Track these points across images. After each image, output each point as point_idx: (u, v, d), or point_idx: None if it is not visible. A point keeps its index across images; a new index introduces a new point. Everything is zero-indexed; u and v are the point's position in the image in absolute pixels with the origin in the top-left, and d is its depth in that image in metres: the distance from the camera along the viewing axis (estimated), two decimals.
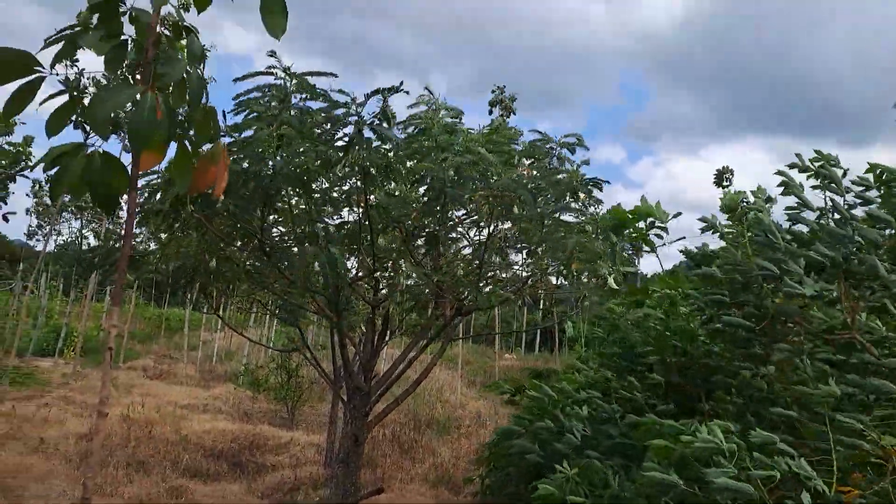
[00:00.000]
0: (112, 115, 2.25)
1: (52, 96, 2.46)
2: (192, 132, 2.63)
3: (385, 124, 4.08)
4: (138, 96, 2.17)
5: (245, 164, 4.36)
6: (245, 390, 14.04)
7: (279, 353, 12.56)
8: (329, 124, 4.16)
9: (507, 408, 14.67)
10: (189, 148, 2.63)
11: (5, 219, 14.40)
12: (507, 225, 5.45)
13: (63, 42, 2.39)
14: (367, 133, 4.10)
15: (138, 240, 5.80)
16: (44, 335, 17.50)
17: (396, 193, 4.85)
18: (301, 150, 4.21)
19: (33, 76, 2.26)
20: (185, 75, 2.46)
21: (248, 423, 11.32)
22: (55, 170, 2.16)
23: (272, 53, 4.70)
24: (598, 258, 4.94)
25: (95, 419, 2.44)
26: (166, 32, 2.56)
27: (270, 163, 4.25)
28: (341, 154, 4.21)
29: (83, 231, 44.92)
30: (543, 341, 32.57)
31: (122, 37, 2.49)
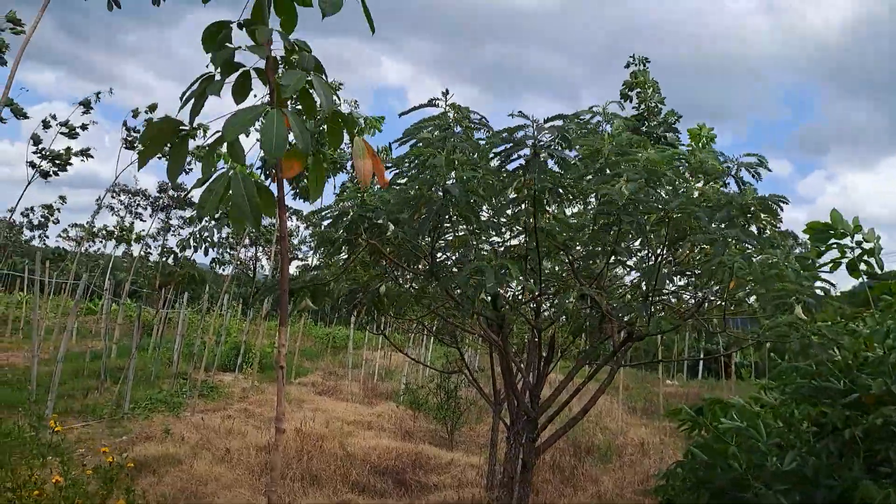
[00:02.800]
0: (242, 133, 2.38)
1: (187, 134, 2.68)
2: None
3: (566, 148, 4.05)
4: (265, 115, 2.32)
5: (412, 191, 4.50)
6: (406, 409, 14.42)
7: (438, 374, 12.79)
8: (506, 146, 4.19)
9: (672, 437, 13.99)
10: (322, 158, 2.75)
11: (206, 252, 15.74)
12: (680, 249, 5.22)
13: (194, 98, 2.61)
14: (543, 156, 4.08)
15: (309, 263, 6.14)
16: (225, 352, 19.02)
17: (569, 217, 4.79)
18: (471, 175, 4.27)
19: (181, 136, 2.48)
20: (305, 84, 2.55)
21: (409, 441, 11.59)
22: (201, 192, 2.35)
23: (445, 92, 4.85)
24: (778, 280, 4.58)
25: (275, 434, 2.57)
26: (280, 55, 2.68)
27: (437, 189, 4.38)
28: (514, 178, 4.23)
29: (257, 255, 48.66)
30: (707, 368, 30.82)
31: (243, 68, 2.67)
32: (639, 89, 17.03)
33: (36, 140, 20.54)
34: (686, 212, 4.38)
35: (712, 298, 5.43)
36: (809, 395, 4.98)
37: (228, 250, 40.29)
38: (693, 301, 5.77)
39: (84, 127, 20.70)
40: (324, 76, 2.64)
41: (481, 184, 4.35)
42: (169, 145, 2.58)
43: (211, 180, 2.35)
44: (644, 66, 17.12)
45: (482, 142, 4.71)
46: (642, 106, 16.62)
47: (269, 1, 2.67)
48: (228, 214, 2.65)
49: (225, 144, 2.55)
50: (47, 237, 40.01)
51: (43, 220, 36.19)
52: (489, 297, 5.12)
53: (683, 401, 20.01)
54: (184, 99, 2.60)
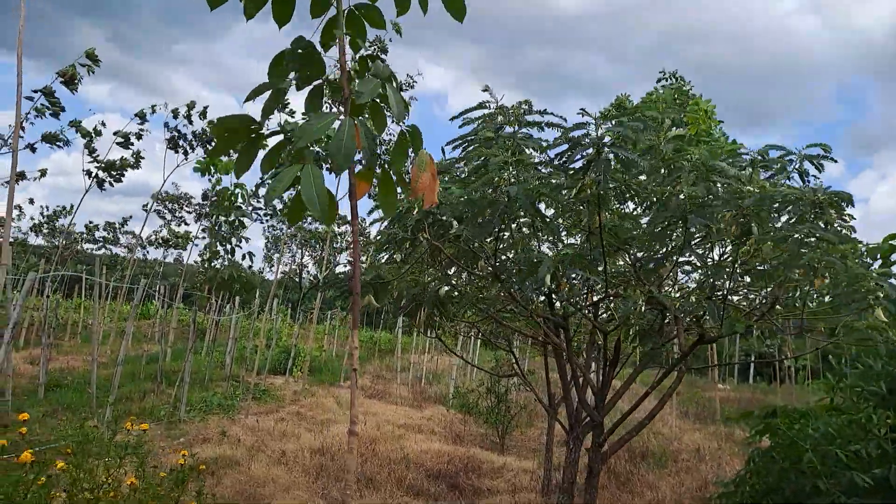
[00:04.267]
0: (314, 143, 2.37)
1: (270, 134, 2.68)
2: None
3: (629, 147, 3.95)
4: (337, 123, 2.31)
5: (475, 193, 4.45)
6: (455, 412, 14.37)
7: (488, 377, 12.71)
8: (567, 146, 4.11)
9: (728, 443, 13.64)
10: (392, 173, 2.71)
11: (233, 251, 16.01)
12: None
13: (270, 93, 2.61)
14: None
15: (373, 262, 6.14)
16: (276, 355, 19.26)
17: (632, 216, 4.69)
18: (533, 175, 4.21)
19: (255, 134, 2.51)
20: (379, 94, 2.54)
21: (460, 445, 11.53)
22: (273, 181, 2.35)
23: (486, 88, 4.80)
24: (856, 281, 4.39)
25: (348, 437, 2.54)
26: (355, 67, 2.66)
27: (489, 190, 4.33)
28: (576, 178, 4.15)
29: (303, 260, 49.27)
30: (759, 371, 30.08)
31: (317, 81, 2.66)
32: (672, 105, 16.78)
33: (90, 149, 21.18)
34: (758, 208, 4.24)
35: (786, 297, 5.24)
36: (888, 399, 4.77)
37: (275, 255, 40.83)
38: (758, 301, 5.60)
39: (138, 136, 21.27)
40: (397, 86, 2.61)
41: (545, 185, 4.28)
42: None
43: (281, 170, 2.35)
44: (676, 80, 16.72)
45: (542, 142, 4.64)
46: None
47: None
48: (290, 208, 2.61)
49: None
50: (110, 247, 41.31)
51: (106, 234, 37.40)
52: (548, 292, 5.04)
53: (737, 405, 19.54)
54: (255, 93, 2.62)
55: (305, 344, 20.02)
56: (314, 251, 45.78)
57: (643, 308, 4.76)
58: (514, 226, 4.72)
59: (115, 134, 20.99)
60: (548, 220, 4.60)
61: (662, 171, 4.64)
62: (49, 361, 13.01)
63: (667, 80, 16.27)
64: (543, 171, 4.38)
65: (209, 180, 13.40)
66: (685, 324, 5.25)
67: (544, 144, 4.37)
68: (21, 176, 7.14)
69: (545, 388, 8.28)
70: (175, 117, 22.87)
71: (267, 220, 28.99)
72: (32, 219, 34.98)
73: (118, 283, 22.20)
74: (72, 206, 32.75)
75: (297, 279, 48.71)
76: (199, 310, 16.08)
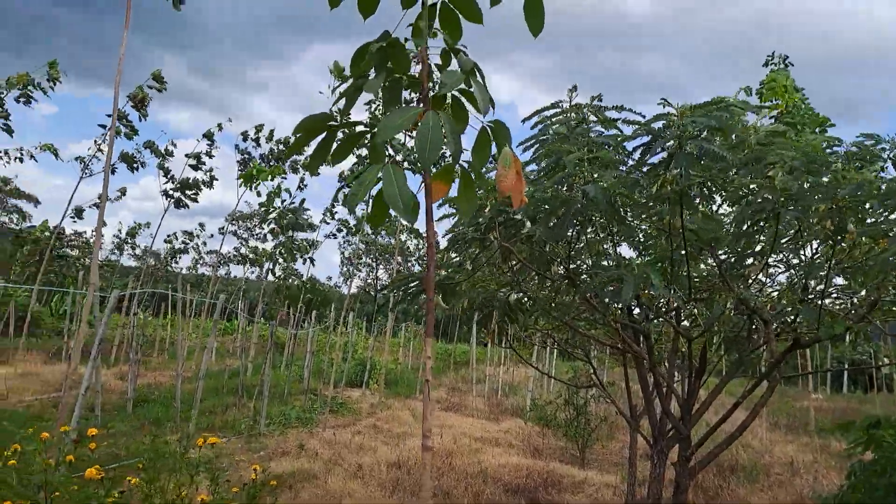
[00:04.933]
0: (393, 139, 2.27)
1: (344, 125, 2.59)
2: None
3: (715, 139, 3.69)
4: (420, 118, 2.19)
5: (549, 192, 4.27)
6: (533, 425, 14.08)
7: (566, 389, 12.37)
8: (646, 139, 3.88)
9: (824, 455, 12.81)
10: (472, 174, 2.57)
11: (312, 263, 16.13)
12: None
13: (349, 87, 2.53)
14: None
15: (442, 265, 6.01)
16: (352, 368, 19.43)
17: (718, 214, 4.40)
18: (610, 173, 4.00)
19: (331, 130, 2.46)
20: (462, 89, 2.41)
21: (539, 459, 11.24)
22: (353, 185, 2.25)
23: (574, 88, 4.62)
24: None
25: (422, 452, 2.39)
26: (436, 62, 2.54)
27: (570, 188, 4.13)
28: (656, 173, 3.91)
29: (377, 273, 49.89)
30: (852, 380, 28.44)
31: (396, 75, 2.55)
32: (775, 99, 15.92)
33: (165, 170, 22.14)
34: (855, 199, 3.89)
35: (885, 298, 4.82)
36: None
37: (350, 268, 41.40)
38: (853, 303, 5.18)
39: (209, 155, 22.10)
40: (481, 79, 2.48)
41: (623, 182, 4.06)
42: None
43: (362, 172, 2.27)
44: (784, 64, 15.87)
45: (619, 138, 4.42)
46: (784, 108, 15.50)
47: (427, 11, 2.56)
48: (372, 210, 2.51)
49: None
50: (198, 266, 42.92)
51: (184, 245, 38.85)
52: (630, 306, 4.79)
53: (831, 416, 18.41)
54: (339, 94, 2.57)
55: (381, 357, 20.11)
56: (388, 265, 46.34)
57: (731, 313, 4.45)
58: (589, 228, 4.50)
59: (186, 156, 21.92)
60: (626, 220, 4.36)
61: (752, 164, 4.34)
62: (137, 377, 13.49)
63: (776, 65, 15.47)
64: (621, 168, 4.15)
65: (252, 190, 13.63)
66: (785, 329, 4.90)
67: (620, 139, 4.15)
68: (102, 200, 7.38)
69: (626, 400, 7.95)
70: (244, 140, 23.74)
71: (341, 234, 29.44)
72: (117, 236, 36.68)
73: (201, 299, 22.95)
74: (148, 224, 34.08)
75: (371, 292, 49.32)
76: (277, 325, 16.40)
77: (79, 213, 21.54)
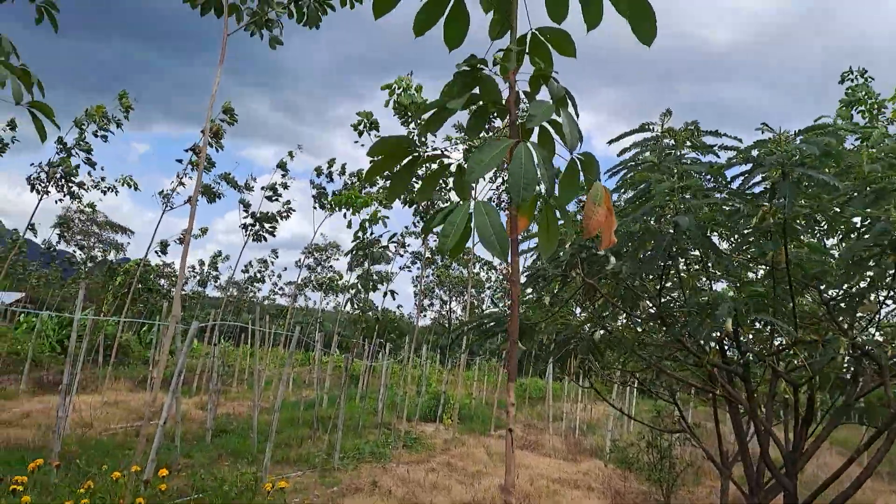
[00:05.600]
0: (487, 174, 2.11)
1: (423, 160, 2.43)
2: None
3: (824, 166, 3.35)
4: (511, 152, 2.03)
5: (636, 224, 4.00)
6: (614, 467, 13.47)
7: (649, 430, 11.77)
8: (746, 167, 3.58)
9: None
10: (554, 208, 2.39)
11: (392, 296, 16.20)
12: None
13: (432, 112, 2.38)
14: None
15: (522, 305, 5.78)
16: (426, 402, 19.22)
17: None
18: (705, 203, 3.69)
19: (412, 157, 2.35)
20: (551, 120, 2.24)
21: (621, 503, 10.69)
22: (443, 226, 2.10)
23: (668, 112, 4.37)
24: None
25: (503, 500, 2.17)
26: (524, 90, 2.37)
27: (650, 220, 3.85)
28: (757, 204, 3.58)
29: (450, 305, 49.78)
30: None
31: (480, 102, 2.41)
32: (861, 107, 14.97)
33: (245, 205, 22.88)
34: None
35: None
36: None
37: (424, 301, 41.50)
38: None
39: (284, 186, 22.75)
40: (572, 109, 2.30)
41: (718, 212, 3.75)
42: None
43: (451, 212, 2.10)
44: (864, 79, 14.98)
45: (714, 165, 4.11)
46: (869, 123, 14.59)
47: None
48: (483, 243, 2.35)
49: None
50: (276, 294, 44.05)
51: (259, 273, 39.96)
52: (724, 347, 4.42)
53: None
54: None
55: (454, 390, 19.85)
56: (461, 296, 46.20)
57: (845, 357, 4.02)
58: (682, 261, 4.19)
59: (262, 188, 22.65)
60: (723, 254, 4.02)
61: (865, 193, 3.95)
62: (216, 407, 13.69)
63: (853, 81, 14.60)
64: (716, 197, 3.84)
65: (345, 216, 13.80)
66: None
67: (716, 167, 3.85)
68: (187, 232, 7.54)
69: (714, 442, 7.42)
70: (318, 175, 24.38)
71: (416, 267, 29.59)
72: (193, 267, 38.04)
73: (279, 330, 23.35)
74: (227, 256, 35.18)
75: (445, 324, 49.24)
76: (352, 356, 16.42)
77: (163, 247, 22.45)
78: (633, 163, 4.27)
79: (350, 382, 15.60)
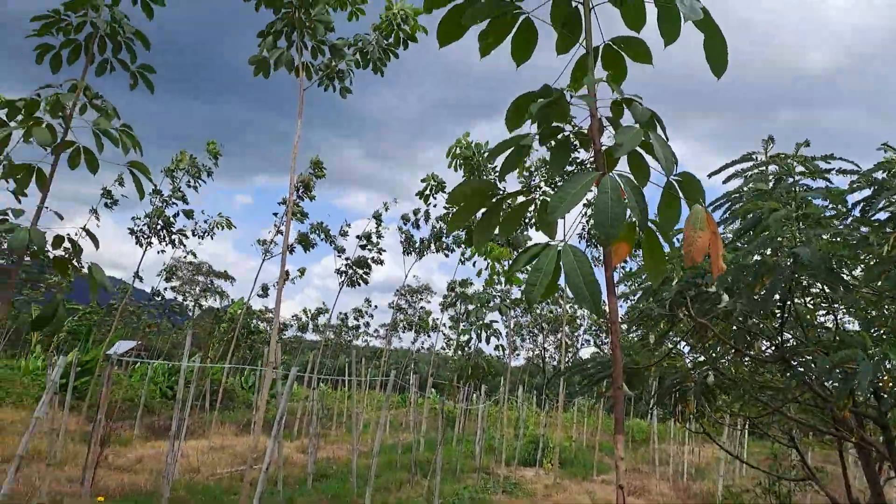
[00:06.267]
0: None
1: (511, 195, 2.33)
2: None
3: None
4: (596, 184, 1.90)
5: (749, 258, 3.73)
6: None
7: (765, 475, 10.98)
8: (869, 190, 3.28)
9: None
10: (658, 234, 2.22)
11: (488, 340, 16.11)
12: None
13: (510, 152, 2.29)
14: None
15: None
16: (524, 446, 18.78)
17: None
18: (824, 231, 3.41)
19: (495, 200, 2.27)
20: (641, 143, 2.09)
21: None
22: (529, 273, 1.97)
23: (770, 139, 4.14)
24: None
25: None
26: (606, 116, 2.25)
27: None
28: (882, 231, 3.27)
29: (545, 346, 48.96)
30: None
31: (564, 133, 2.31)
32: None
33: (340, 250, 23.58)
34: None
35: None
36: None
37: (519, 341, 41.08)
38: None
39: (378, 235, 23.37)
40: (661, 131, 2.16)
41: (842, 242, 3.45)
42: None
43: (538, 254, 1.99)
44: None
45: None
46: None
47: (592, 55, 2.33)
48: (573, 293, 2.22)
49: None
50: (369, 336, 44.92)
51: (356, 322, 40.84)
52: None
53: None
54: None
55: (553, 433, 19.31)
56: (555, 335, 45.39)
57: None
58: (799, 296, 3.87)
59: (357, 237, 23.38)
60: (849, 287, 3.69)
61: None
62: (317, 451, 13.83)
63: None
64: (836, 225, 3.55)
65: (473, 264, 13.98)
66: None
67: (836, 192, 3.56)
68: (286, 276, 7.79)
69: (839, 489, 6.78)
70: (406, 222, 24.90)
71: (511, 311, 29.43)
72: (304, 312, 39.25)
73: (374, 372, 23.58)
74: (326, 310, 36.24)
75: (540, 364, 48.41)
76: (447, 399, 16.30)
77: (264, 290, 23.35)
78: (737, 194, 4.03)
79: (446, 425, 15.42)
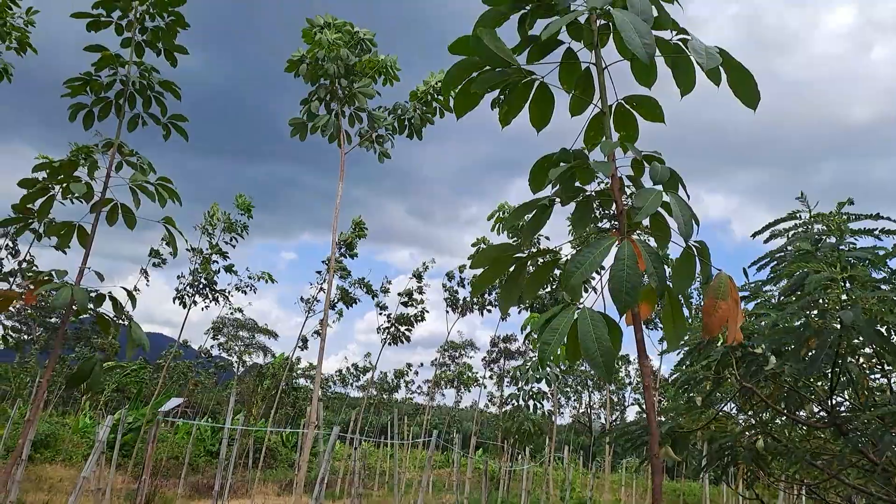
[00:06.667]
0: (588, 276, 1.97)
1: (533, 256, 2.33)
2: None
3: None
4: (615, 248, 1.89)
5: (795, 320, 3.64)
6: None
7: None
8: None
9: None
10: (679, 297, 2.19)
11: (535, 409, 15.86)
12: None
13: (533, 214, 2.31)
14: None
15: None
16: None
17: None
18: (871, 293, 3.32)
19: (518, 263, 2.27)
20: (660, 209, 2.09)
21: None
22: (544, 332, 1.97)
23: (801, 196, 4.11)
24: None
25: None
26: (626, 175, 2.26)
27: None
28: None
29: (591, 406, 47.86)
30: None
31: (586, 193, 2.33)
32: None
33: (382, 307, 23.75)
34: None
35: None
36: None
37: (564, 399, 40.36)
38: None
39: (420, 290, 23.54)
40: (682, 192, 2.18)
41: (889, 306, 3.35)
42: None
43: (554, 316, 1.99)
44: None
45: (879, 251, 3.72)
46: None
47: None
48: (587, 360, 2.25)
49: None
50: (413, 394, 44.75)
51: (395, 382, 40.79)
52: None
53: None
54: (517, 222, 2.41)
55: (601, 496, 18.72)
56: (600, 392, 44.41)
57: None
58: (851, 358, 3.75)
59: (399, 294, 23.61)
60: None
61: None
62: None
63: None
64: (884, 287, 3.45)
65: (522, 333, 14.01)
66: None
67: (882, 254, 3.48)
68: (320, 350, 7.85)
69: None
70: (449, 280, 25.05)
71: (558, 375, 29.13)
72: (346, 369, 39.30)
73: (417, 429, 23.33)
74: (366, 367, 36.30)
75: (586, 423, 47.28)
76: (491, 459, 15.99)
77: (304, 342, 23.56)
78: (781, 253, 3.97)
79: (491, 486, 15.09)
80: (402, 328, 23.72)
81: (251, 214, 20.57)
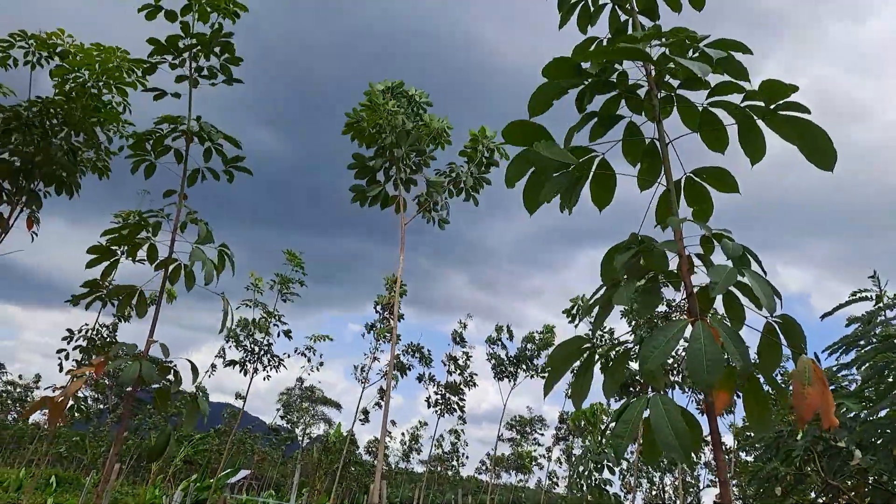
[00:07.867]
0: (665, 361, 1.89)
1: (600, 350, 2.29)
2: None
3: None
4: (689, 330, 1.81)
5: (886, 410, 3.40)
6: None
7: None
8: None
9: None
10: (764, 382, 2.07)
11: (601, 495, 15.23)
12: None
13: (598, 308, 2.27)
14: None
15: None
16: None
17: None
18: None
19: (587, 353, 2.26)
20: (732, 288, 2.00)
21: None
22: (616, 425, 1.89)
23: (873, 275, 3.97)
24: None
25: None
26: (695, 252, 2.19)
27: None
28: None
29: (662, 485, 45.53)
30: None
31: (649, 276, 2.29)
32: None
33: (430, 378, 23.54)
34: None
35: None
36: None
37: (633, 480, 38.63)
38: None
39: (467, 356, 23.39)
40: (757, 267, 2.09)
41: None
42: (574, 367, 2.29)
43: (628, 408, 1.93)
44: None
45: None
46: None
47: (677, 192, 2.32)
48: (644, 446, 2.18)
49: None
50: (479, 473, 43.81)
51: (452, 448, 40.02)
52: None
53: None
54: (579, 310, 2.37)
55: None
56: (673, 476, 42.28)
57: None
58: None
59: (443, 361, 23.38)
60: None
61: None
62: None
63: None
64: None
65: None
66: None
67: None
68: (385, 412, 7.78)
69: None
70: (491, 344, 24.59)
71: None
72: (404, 443, 38.84)
73: None
74: (417, 438, 35.81)
75: None
76: None
77: (365, 414, 23.42)
78: (853, 338, 3.77)
79: None
80: (454, 397, 23.35)
81: (304, 270, 20.53)
